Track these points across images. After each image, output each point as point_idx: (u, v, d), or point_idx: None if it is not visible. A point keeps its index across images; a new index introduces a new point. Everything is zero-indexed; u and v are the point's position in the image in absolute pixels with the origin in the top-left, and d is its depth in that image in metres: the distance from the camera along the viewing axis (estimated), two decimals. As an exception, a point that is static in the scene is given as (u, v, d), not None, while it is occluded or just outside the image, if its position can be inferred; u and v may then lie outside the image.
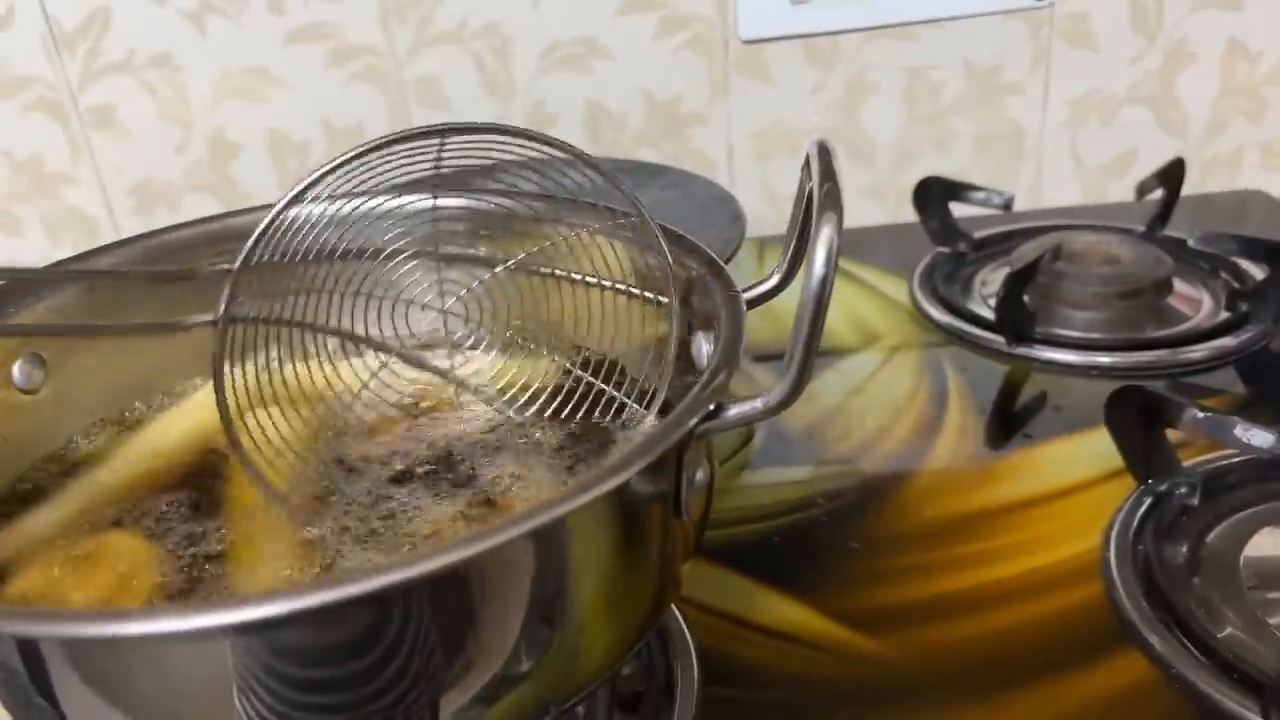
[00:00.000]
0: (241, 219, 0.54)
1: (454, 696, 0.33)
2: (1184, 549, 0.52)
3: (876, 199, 0.95)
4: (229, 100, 0.88)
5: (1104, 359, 0.69)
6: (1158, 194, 0.81)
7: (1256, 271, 0.73)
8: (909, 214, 0.86)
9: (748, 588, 0.52)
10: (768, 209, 0.94)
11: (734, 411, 0.35)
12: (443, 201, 0.49)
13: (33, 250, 0.94)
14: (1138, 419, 0.54)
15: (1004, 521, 0.56)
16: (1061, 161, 0.94)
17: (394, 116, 0.90)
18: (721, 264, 0.43)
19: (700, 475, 0.36)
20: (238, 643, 0.30)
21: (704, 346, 0.43)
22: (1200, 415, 0.52)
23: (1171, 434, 0.54)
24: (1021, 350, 0.70)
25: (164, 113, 0.89)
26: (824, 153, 0.38)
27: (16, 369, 0.46)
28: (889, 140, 0.93)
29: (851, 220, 0.95)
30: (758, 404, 0.35)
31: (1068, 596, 0.51)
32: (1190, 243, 0.74)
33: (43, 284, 0.48)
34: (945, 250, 0.82)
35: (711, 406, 0.34)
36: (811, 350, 0.33)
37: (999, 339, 0.71)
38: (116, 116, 0.89)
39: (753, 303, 0.42)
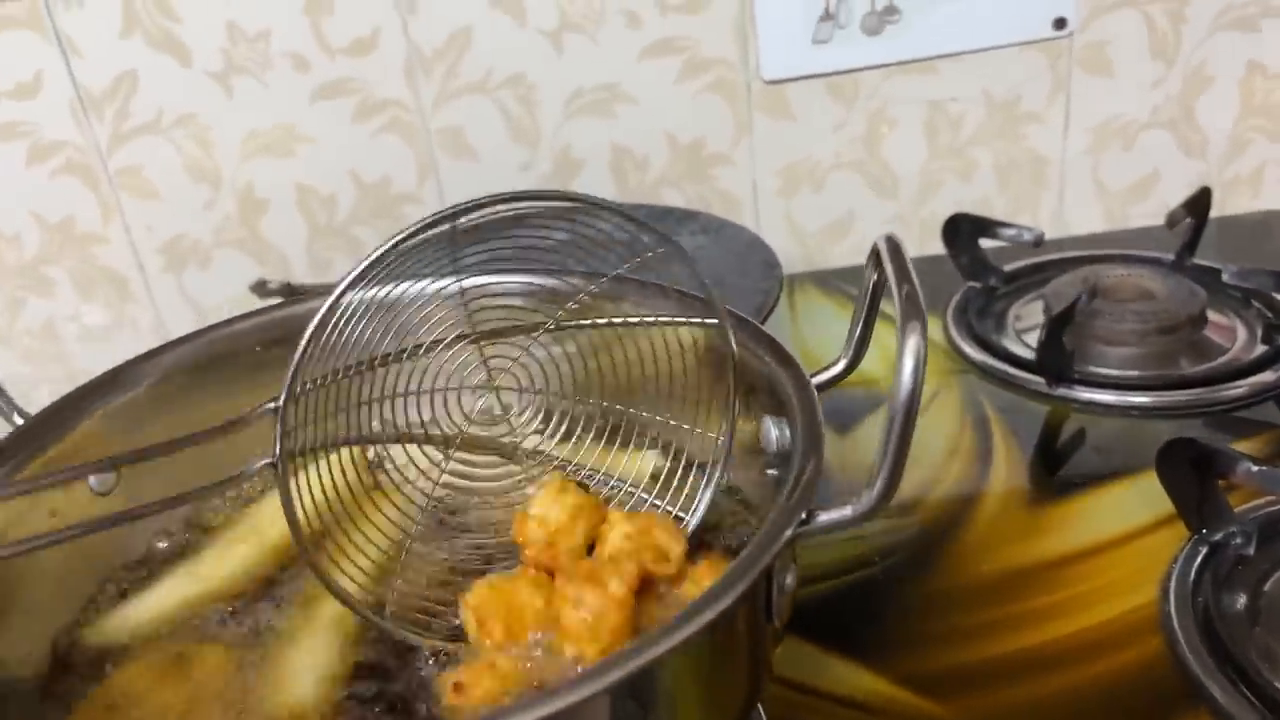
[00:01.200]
0: (292, 309, 0.55)
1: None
2: (1243, 599, 0.53)
3: (900, 230, 0.95)
4: (256, 157, 0.89)
5: (1142, 399, 0.70)
6: (1186, 222, 0.81)
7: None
8: (933, 245, 0.86)
9: (814, 654, 0.53)
10: (794, 245, 0.94)
11: (824, 519, 0.35)
12: (472, 282, 0.48)
13: (63, 308, 0.95)
14: (1190, 471, 0.55)
15: (1060, 575, 0.57)
16: (1083, 187, 0.94)
17: (421, 167, 0.90)
18: (790, 353, 0.43)
19: (789, 580, 0.36)
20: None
21: (772, 431, 0.44)
22: (1254, 469, 0.52)
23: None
24: (1061, 391, 0.70)
25: (192, 171, 0.89)
26: (895, 250, 0.38)
27: (92, 477, 0.47)
28: (911, 172, 0.93)
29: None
30: (847, 512, 0.35)
31: (1130, 653, 0.52)
32: (1225, 277, 0.74)
33: (108, 386, 0.49)
34: (976, 285, 0.83)
35: (803, 515, 0.35)
36: (901, 459, 0.34)
37: (1037, 379, 0.72)
38: (145, 176, 0.89)
39: (819, 388, 0.43)
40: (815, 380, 0.42)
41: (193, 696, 0.42)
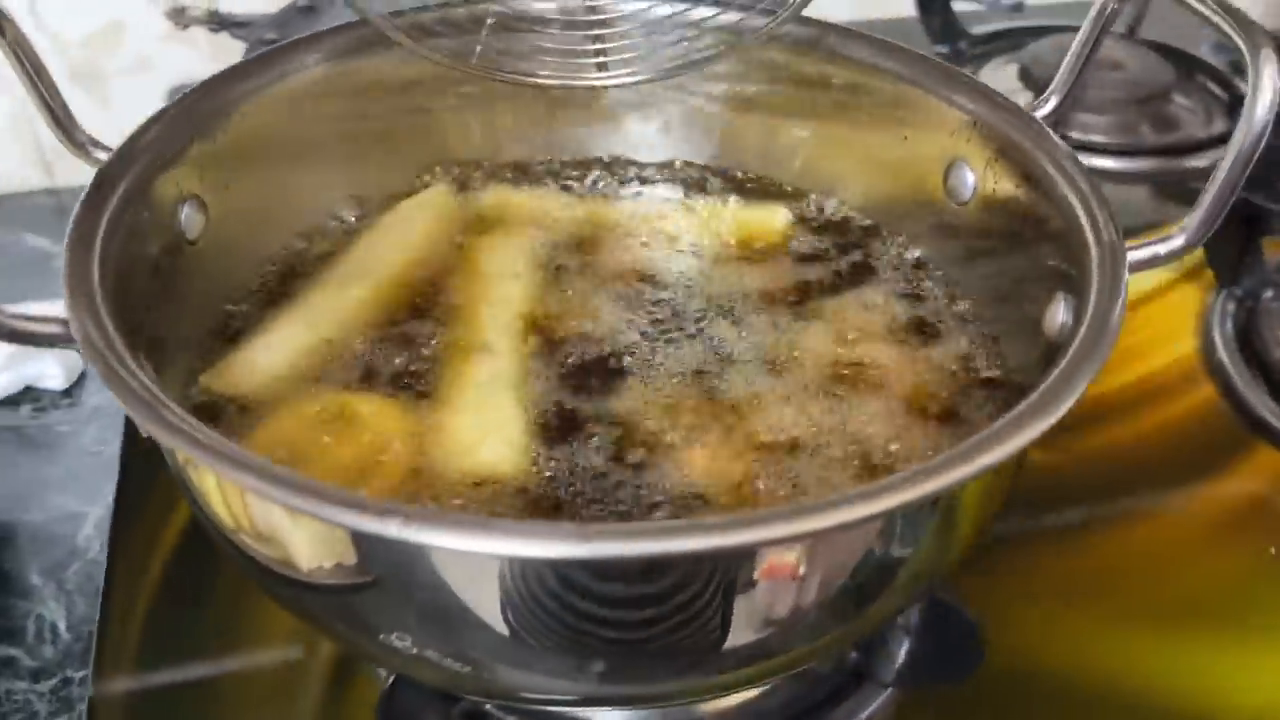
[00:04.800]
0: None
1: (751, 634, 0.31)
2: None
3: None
4: None
5: (1109, 164, 0.72)
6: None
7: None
8: (897, 6, 0.84)
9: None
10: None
11: (1138, 256, 0.34)
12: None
13: None
14: (1237, 228, 0.57)
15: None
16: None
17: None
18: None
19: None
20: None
21: (968, 177, 0.42)
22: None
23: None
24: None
25: None
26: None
27: (183, 216, 0.39)
28: None
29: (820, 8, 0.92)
30: (1160, 250, 0.34)
31: (1181, 402, 0.55)
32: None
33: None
34: (944, 49, 0.82)
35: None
36: (1229, 198, 0.33)
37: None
38: None
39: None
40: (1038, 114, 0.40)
41: (365, 456, 0.37)
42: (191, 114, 0.40)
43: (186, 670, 0.41)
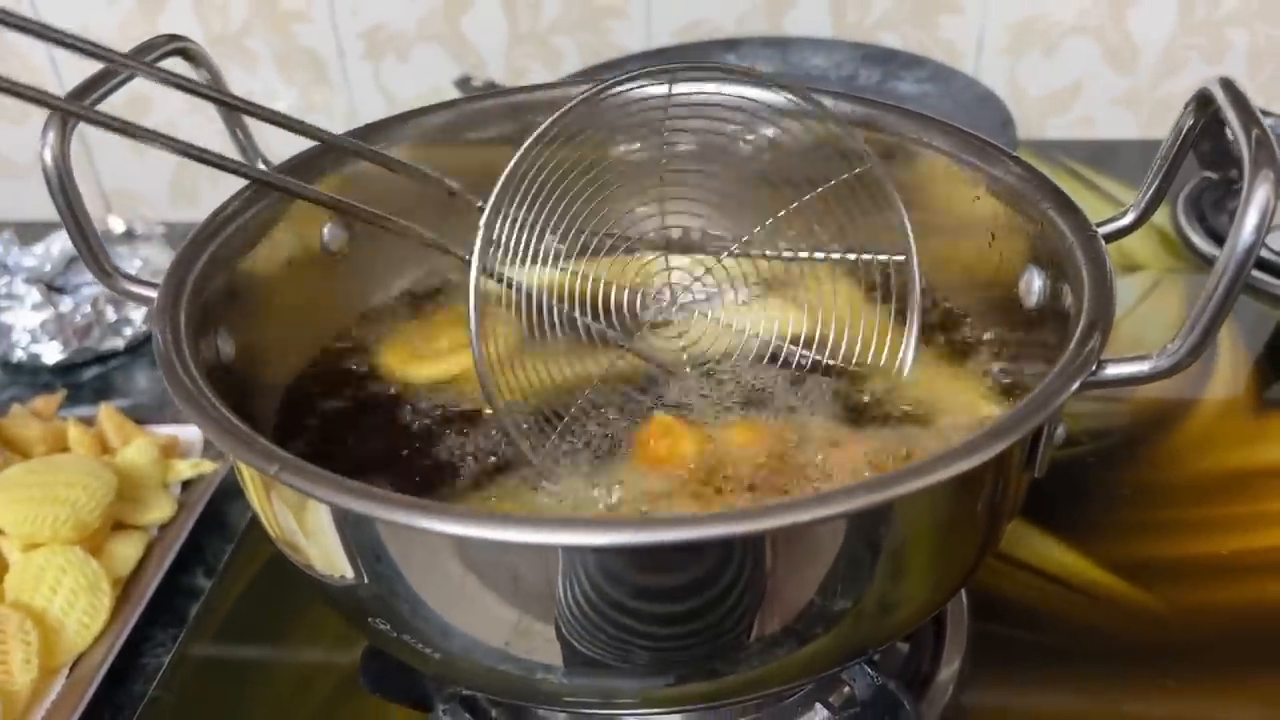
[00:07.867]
0: (496, 100, 0.53)
1: (778, 633, 0.33)
2: None
3: (1129, 108, 0.88)
4: (469, -51, 0.86)
5: None
6: None
7: None
8: (1161, 129, 0.80)
9: (1016, 526, 0.51)
10: (1014, 109, 0.89)
11: (1114, 372, 0.33)
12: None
13: (261, 85, 0.95)
14: None
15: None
16: (1346, 85, 0.86)
17: (635, -23, 0.86)
18: (1070, 197, 0.40)
19: (1060, 432, 0.34)
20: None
21: (1035, 282, 0.41)
22: None
23: None
24: (1301, 298, 0.65)
25: (402, -43, 0.87)
26: (1236, 92, 0.34)
27: (326, 232, 0.47)
28: (1155, 46, 0.86)
29: (1101, 130, 0.90)
30: (1144, 366, 0.32)
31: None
32: None
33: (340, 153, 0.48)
34: (1213, 175, 0.77)
35: (1094, 366, 0.32)
36: (1222, 316, 0.31)
37: (1273, 281, 0.66)
38: (356, -43, 0.88)
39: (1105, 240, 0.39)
40: (1101, 231, 0.38)
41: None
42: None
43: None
